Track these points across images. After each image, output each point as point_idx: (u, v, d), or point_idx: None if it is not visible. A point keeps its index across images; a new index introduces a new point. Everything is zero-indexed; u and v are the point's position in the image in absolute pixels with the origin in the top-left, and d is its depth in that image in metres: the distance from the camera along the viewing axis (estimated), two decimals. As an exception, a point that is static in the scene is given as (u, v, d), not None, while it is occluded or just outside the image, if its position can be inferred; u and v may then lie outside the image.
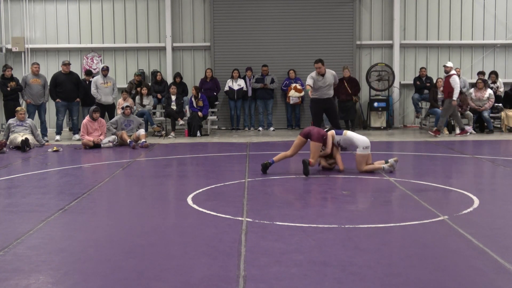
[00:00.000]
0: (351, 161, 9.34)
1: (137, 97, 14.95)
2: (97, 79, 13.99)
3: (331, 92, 11.30)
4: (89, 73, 15.03)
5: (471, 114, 14.61)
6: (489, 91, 14.86)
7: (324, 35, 16.69)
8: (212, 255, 4.52)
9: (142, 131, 12.60)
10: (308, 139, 8.77)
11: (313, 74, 11.21)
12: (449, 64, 13.82)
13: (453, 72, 13.65)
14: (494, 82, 15.61)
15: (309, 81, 11.17)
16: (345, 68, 15.55)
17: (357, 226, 5.41)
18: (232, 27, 16.75)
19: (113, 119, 12.99)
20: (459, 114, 14.01)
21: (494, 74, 15.81)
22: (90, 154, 11.44)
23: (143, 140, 12.35)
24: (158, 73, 15.90)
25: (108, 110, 14.14)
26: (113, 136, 12.70)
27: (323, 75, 11.13)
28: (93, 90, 13.90)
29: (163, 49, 16.83)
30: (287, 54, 16.73)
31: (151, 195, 7.34)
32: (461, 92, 14.83)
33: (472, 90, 15.03)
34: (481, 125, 14.93)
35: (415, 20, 16.98)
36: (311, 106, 11.65)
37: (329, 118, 11.66)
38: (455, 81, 13.38)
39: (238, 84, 15.96)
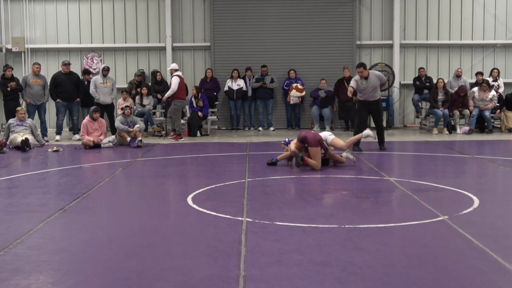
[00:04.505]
0: (348, 163, 9.37)
1: (137, 97, 14.96)
2: (97, 79, 13.98)
3: (377, 95, 11.30)
4: (86, 72, 14.97)
5: (469, 112, 14.63)
6: (493, 92, 14.86)
7: (324, 35, 16.69)
8: (212, 255, 4.52)
9: (137, 127, 12.57)
10: (306, 144, 9.01)
11: (357, 77, 11.26)
12: (172, 66, 14.05)
13: (176, 73, 13.73)
14: (496, 80, 15.61)
15: (352, 84, 11.30)
16: (345, 68, 15.55)
17: (357, 226, 5.40)
18: (232, 27, 16.76)
19: (118, 121, 12.84)
20: (180, 118, 14.16)
21: (496, 69, 15.81)
22: (90, 154, 11.44)
23: (139, 138, 12.34)
24: (158, 73, 15.90)
25: (106, 110, 14.09)
26: (113, 136, 12.71)
27: (366, 78, 11.13)
28: (91, 89, 13.89)
29: (163, 49, 16.84)
30: (287, 54, 16.73)
31: (151, 195, 7.34)
32: (465, 94, 14.83)
33: (475, 89, 14.98)
34: (481, 125, 14.94)
35: (415, 20, 16.99)
36: (358, 107, 11.69)
37: (373, 119, 11.68)
38: (174, 82, 13.50)
39: (238, 84, 15.96)
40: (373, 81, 11.14)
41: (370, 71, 11.42)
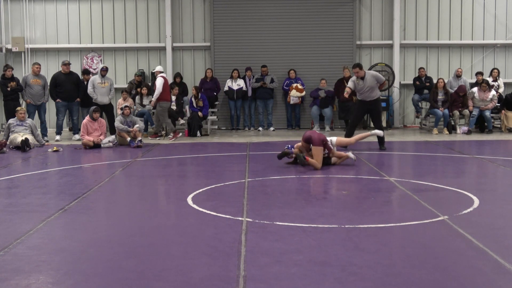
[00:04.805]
0: (348, 162, 9.38)
1: (137, 97, 14.95)
2: (95, 79, 13.93)
3: (374, 95, 11.33)
4: (86, 72, 14.94)
5: (468, 112, 14.64)
6: (493, 92, 14.85)
7: (324, 35, 16.69)
8: (212, 255, 4.52)
9: (136, 127, 12.57)
10: (311, 144, 9.10)
11: (354, 77, 11.35)
12: (157, 68, 14.25)
13: (161, 74, 13.90)
14: (496, 80, 15.61)
15: (350, 84, 11.37)
16: (345, 68, 15.56)
17: (357, 226, 5.40)
18: (232, 27, 16.75)
19: (118, 121, 12.81)
20: (167, 118, 14.15)
21: (496, 69, 15.81)
22: (90, 154, 11.44)
23: (139, 138, 12.34)
24: (158, 73, 15.88)
25: (104, 110, 14.01)
26: (113, 136, 12.71)
27: (362, 78, 11.18)
28: (89, 89, 13.81)
29: (163, 49, 16.83)
30: (287, 54, 16.73)
31: (151, 195, 7.34)
32: (464, 94, 14.83)
33: (475, 89, 14.98)
34: (481, 125, 14.93)
35: (415, 20, 16.99)
36: (355, 107, 11.93)
37: (372, 119, 11.91)
38: (158, 83, 13.66)
39: (238, 84, 15.96)
40: (369, 82, 11.18)
41: (366, 71, 11.47)
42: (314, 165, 8.85)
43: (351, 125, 11.70)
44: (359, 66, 11.27)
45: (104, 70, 14.02)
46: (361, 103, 11.49)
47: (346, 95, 11.42)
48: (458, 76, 15.63)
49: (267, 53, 16.66)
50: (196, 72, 16.95)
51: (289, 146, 9.53)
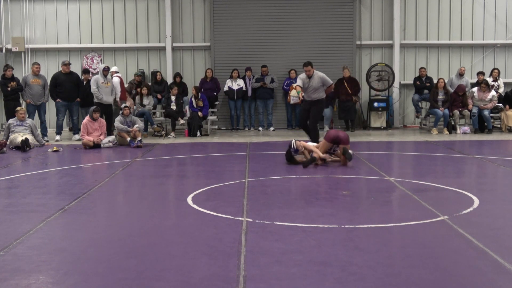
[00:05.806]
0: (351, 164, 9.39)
1: (137, 97, 14.95)
2: (98, 78, 13.80)
3: (316, 96, 11.12)
4: (86, 71, 14.90)
5: (468, 112, 14.64)
6: (493, 92, 14.85)
7: (324, 35, 16.69)
8: (212, 255, 4.52)
9: (136, 127, 12.55)
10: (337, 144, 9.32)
11: (303, 75, 11.21)
12: (113, 68, 14.41)
13: (116, 74, 14.14)
14: (496, 80, 15.60)
15: (298, 82, 11.20)
16: (345, 68, 15.56)
17: (357, 226, 5.40)
18: (232, 27, 16.76)
19: (117, 121, 12.80)
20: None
21: (496, 69, 15.80)
22: (90, 154, 11.44)
23: (139, 138, 12.33)
24: (158, 73, 15.89)
25: (108, 110, 13.93)
26: (113, 136, 12.71)
27: (310, 77, 11.11)
28: (93, 88, 13.60)
29: (163, 49, 16.84)
30: (287, 54, 16.73)
31: (151, 195, 7.34)
32: (464, 93, 14.82)
33: (475, 89, 14.98)
34: (481, 125, 14.93)
35: (415, 20, 16.99)
36: (301, 106, 11.72)
37: (309, 118, 11.32)
38: (116, 82, 13.84)
39: (238, 84, 15.96)
40: (315, 82, 11.07)
41: (315, 71, 11.28)
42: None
43: (303, 127, 11.45)
44: (310, 64, 11.16)
45: (106, 70, 13.93)
46: (304, 102, 11.30)
47: (300, 96, 11.18)
48: (461, 74, 15.61)
49: (267, 53, 16.66)
50: (196, 72, 16.95)
51: (294, 147, 9.42)
